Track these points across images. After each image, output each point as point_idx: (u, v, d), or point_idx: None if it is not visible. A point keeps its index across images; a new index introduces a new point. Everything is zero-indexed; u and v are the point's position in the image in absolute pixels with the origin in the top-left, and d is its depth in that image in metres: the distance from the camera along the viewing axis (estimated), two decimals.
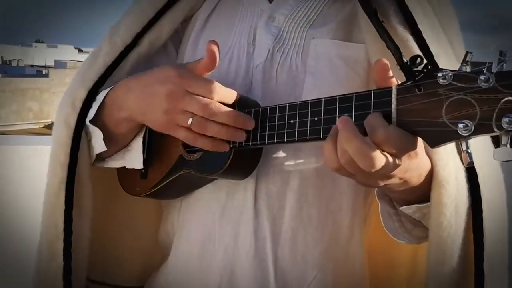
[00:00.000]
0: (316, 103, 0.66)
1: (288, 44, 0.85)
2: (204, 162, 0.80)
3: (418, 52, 0.70)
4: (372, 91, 0.61)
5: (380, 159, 0.57)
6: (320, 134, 0.65)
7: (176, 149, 0.85)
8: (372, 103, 0.60)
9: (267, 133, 0.72)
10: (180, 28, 0.94)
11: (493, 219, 0.70)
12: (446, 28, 0.81)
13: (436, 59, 0.70)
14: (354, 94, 0.62)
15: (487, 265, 0.68)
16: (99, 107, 0.84)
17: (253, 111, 0.74)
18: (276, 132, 0.71)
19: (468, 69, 0.54)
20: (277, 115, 0.71)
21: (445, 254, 0.68)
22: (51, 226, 0.84)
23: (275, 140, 0.71)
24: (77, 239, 0.84)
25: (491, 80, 0.51)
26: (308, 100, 0.67)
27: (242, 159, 0.78)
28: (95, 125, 0.84)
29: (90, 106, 0.85)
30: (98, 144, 0.85)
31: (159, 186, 0.87)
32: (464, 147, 0.54)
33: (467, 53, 0.55)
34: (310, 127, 0.66)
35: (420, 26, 0.74)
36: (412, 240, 0.78)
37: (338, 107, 0.64)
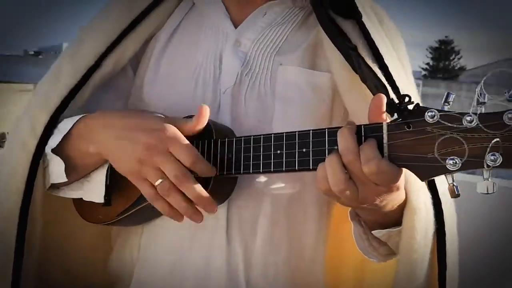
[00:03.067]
0: (304, 134, 0.69)
1: (256, 69, 0.86)
2: None
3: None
4: (363, 126, 0.65)
5: (350, 187, 0.63)
6: (310, 165, 0.68)
7: None
8: (363, 137, 0.64)
9: (251, 162, 0.73)
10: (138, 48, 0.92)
11: (451, 242, 0.77)
12: (397, 51, 0.88)
13: (402, 91, 0.76)
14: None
15: (449, 283, 0.75)
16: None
17: (242, 139, 0.75)
18: (262, 162, 0.72)
19: (448, 108, 0.61)
20: (262, 144, 0.73)
21: (415, 274, 0.74)
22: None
23: (261, 170, 0.73)
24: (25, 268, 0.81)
25: (475, 121, 0.58)
26: (295, 132, 0.70)
27: (220, 186, 0.78)
28: (56, 154, 0.80)
29: (51, 132, 0.81)
30: (57, 173, 0.81)
31: (128, 213, 0.84)
32: (450, 181, 0.60)
33: (448, 93, 0.61)
34: (298, 158, 0.69)
35: (386, 59, 0.79)
36: (380, 258, 0.83)
37: (328, 139, 0.67)
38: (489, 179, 0.57)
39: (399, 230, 0.76)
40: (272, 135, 0.72)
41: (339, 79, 0.83)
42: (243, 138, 0.75)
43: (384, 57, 0.80)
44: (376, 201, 0.66)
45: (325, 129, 0.68)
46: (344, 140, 0.64)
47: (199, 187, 0.73)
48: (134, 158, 0.74)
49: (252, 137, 0.74)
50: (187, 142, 0.74)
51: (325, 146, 0.67)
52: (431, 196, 0.75)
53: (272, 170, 0.71)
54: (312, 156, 0.68)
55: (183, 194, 0.74)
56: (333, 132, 0.67)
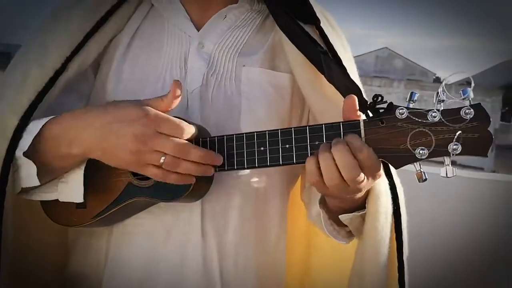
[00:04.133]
0: (286, 132, 0.76)
1: (220, 70, 0.91)
2: (161, 188, 0.82)
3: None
4: (341, 123, 0.73)
5: (362, 175, 0.70)
6: (293, 160, 0.75)
7: (122, 176, 0.85)
8: (342, 133, 0.73)
9: (235, 159, 0.78)
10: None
11: (404, 220, 0.87)
12: (347, 51, 0.97)
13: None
14: (323, 125, 0.74)
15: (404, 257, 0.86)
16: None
17: (225, 138, 0.79)
18: (245, 159, 0.78)
19: (413, 105, 0.71)
20: (244, 142, 0.78)
21: (380, 252, 0.84)
22: None
23: (245, 166, 0.78)
24: None
25: (438, 116, 0.68)
26: (277, 130, 0.76)
27: (200, 183, 0.82)
28: (27, 157, 0.79)
29: (20, 136, 0.79)
30: (28, 177, 0.79)
31: (104, 215, 0.85)
32: (418, 168, 0.70)
33: (412, 93, 0.71)
34: (282, 153, 0.76)
35: (344, 62, 0.88)
36: (344, 240, 0.92)
37: (309, 136, 0.75)
38: (449, 165, 0.68)
39: (361, 214, 0.85)
40: (255, 133, 0.78)
41: (301, 79, 0.90)
42: (225, 137, 0.79)
43: (342, 60, 0.89)
44: (362, 189, 0.74)
45: (306, 126, 0.75)
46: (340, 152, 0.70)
47: (199, 149, 0.77)
48: (127, 151, 0.75)
49: (234, 135, 0.79)
50: (170, 117, 0.76)
51: (307, 142, 0.75)
52: (388, 181, 0.85)
53: (256, 165, 0.77)
54: (295, 152, 0.75)
55: (189, 160, 0.76)
56: (314, 129, 0.74)
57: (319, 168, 0.71)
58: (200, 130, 0.82)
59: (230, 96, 0.90)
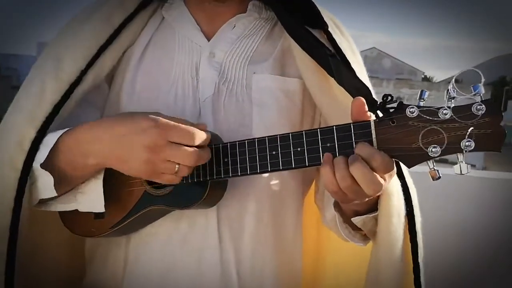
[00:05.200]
0: (297, 135, 0.76)
1: (231, 78, 0.92)
2: (177, 196, 0.83)
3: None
4: (352, 124, 0.73)
5: (381, 182, 0.70)
6: (306, 163, 0.75)
7: (137, 185, 0.86)
8: (353, 134, 0.73)
9: (248, 164, 0.79)
10: None
11: (418, 221, 0.87)
12: (356, 56, 0.98)
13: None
14: (334, 127, 0.74)
15: (420, 258, 0.85)
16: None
17: (237, 144, 0.80)
18: (258, 163, 0.78)
19: (423, 103, 0.71)
20: (256, 147, 0.79)
21: (393, 253, 0.83)
22: None
23: (258, 170, 0.78)
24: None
25: (449, 113, 0.68)
26: (288, 133, 0.77)
27: (215, 189, 0.83)
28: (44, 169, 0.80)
29: (37, 148, 0.81)
30: (46, 189, 0.81)
31: (122, 224, 0.86)
32: (431, 166, 0.70)
33: (422, 91, 0.72)
34: (294, 156, 0.76)
35: (353, 66, 0.88)
36: (360, 242, 0.92)
37: (320, 138, 0.75)
38: (463, 162, 0.68)
39: (373, 216, 0.85)
40: (266, 138, 0.78)
41: (311, 84, 0.91)
42: (237, 142, 0.80)
43: (351, 63, 0.89)
44: (380, 190, 0.73)
45: (317, 129, 0.75)
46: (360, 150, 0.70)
47: (207, 151, 0.78)
48: (141, 161, 0.76)
49: (246, 141, 0.79)
50: (181, 125, 0.76)
51: (319, 144, 0.74)
52: (400, 182, 0.85)
53: (269, 169, 0.77)
54: (307, 154, 0.75)
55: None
56: (325, 131, 0.74)
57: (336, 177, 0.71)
58: (213, 136, 0.82)
59: (241, 104, 0.91)
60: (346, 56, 0.90)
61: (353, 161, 0.70)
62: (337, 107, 0.88)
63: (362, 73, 0.94)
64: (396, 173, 0.84)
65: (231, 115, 0.90)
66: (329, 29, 0.93)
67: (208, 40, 0.94)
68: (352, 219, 0.87)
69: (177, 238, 0.89)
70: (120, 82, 0.94)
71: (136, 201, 0.85)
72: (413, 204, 0.86)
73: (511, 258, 2.07)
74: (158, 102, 0.91)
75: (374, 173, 0.70)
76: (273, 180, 0.92)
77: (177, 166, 0.76)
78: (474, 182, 2.16)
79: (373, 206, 0.84)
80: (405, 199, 0.85)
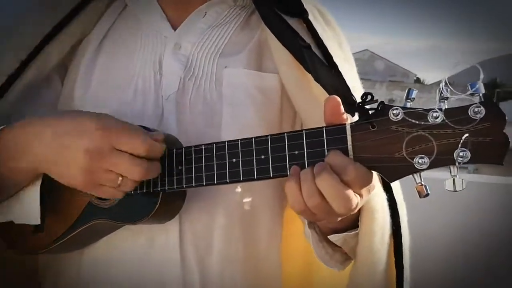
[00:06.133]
0: (261, 140, 0.64)
1: (199, 73, 0.81)
2: (124, 208, 0.72)
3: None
4: (324, 128, 0.61)
5: (355, 199, 0.58)
6: (270, 173, 0.63)
7: (82, 194, 0.75)
8: (325, 140, 0.61)
9: (204, 174, 0.67)
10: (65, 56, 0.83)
11: (405, 243, 0.75)
12: (345, 53, 0.86)
13: (352, 91, 0.73)
14: (304, 131, 0.62)
15: (405, 284, 0.74)
16: None
17: (193, 149, 0.68)
18: (216, 172, 0.66)
19: (410, 104, 0.59)
20: (214, 154, 0.67)
21: (375, 276, 0.72)
22: None
23: (216, 181, 0.66)
24: None
25: (440, 117, 0.56)
26: (251, 138, 0.65)
27: (169, 202, 0.72)
28: None
29: None
30: None
31: (64, 239, 0.75)
32: (418, 180, 0.57)
33: (409, 90, 0.59)
34: (257, 165, 0.64)
35: (334, 59, 0.76)
36: (339, 266, 0.80)
37: (288, 144, 0.63)
38: (457, 176, 0.56)
39: (355, 233, 0.73)
40: (226, 142, 0.66)
41: (287, 79, 0.80)
42: (193, 147, 0.68)
43: (333, 57, 0.77)
44: (355, 210, 0.61)
45: (284, 133, 0.63)
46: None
47: (157, 166, 0.67)
48: (79, 169, 0.65)
49: (203, 146, 0.68)
50: (132, 132, 0.66)
51: (285, 152, 0.62)
52: (387, 197, 0.74)
53: (228, 181, 0.65)
54: (272, 163, 0.63)
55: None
56: (293, 136, 0.62)
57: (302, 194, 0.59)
58: (171, 140, 0.71)
59: (210, 102, 0.80)
60: (329, 48, 0.78)
61: (320, 171, 0.57)
62: (317, 107, 0.75)
63: (350, 71, 0.82)
64: (382, 185, 0.73)
65: (198, 115, 0.79)
66: (310, 17, 0.80)
67: (175, 30, 0.83)
68: (329, 237, 0.75)
69: (135, 257, 0.78)
70: (74, 77, 0.83)
71: (79, 213, 0.75)
72: (400, 222, 0.74)
73: (502, 265, 1.96)
74: (115, 100, 0.80)
75: (347, 187, 0.57)
76: (245, 190, 0.81)
77: (120, 178, 0.65)
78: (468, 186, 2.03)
79: (354, 222, 0.72)
80: (391, 216, 0.74)
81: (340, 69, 0.76)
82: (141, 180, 0.67)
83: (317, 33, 0.78)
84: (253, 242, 0.83)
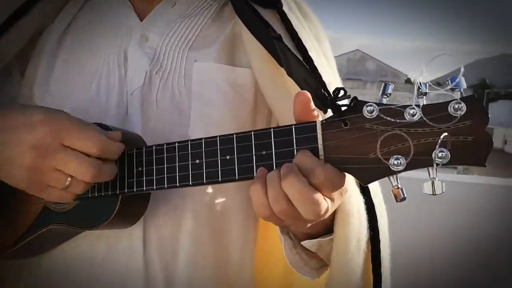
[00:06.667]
0: (226, 139, 0.59)
1: (167, 67, 0.76)
2: (81, 213, 0.67)
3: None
4: (293, 126, 0.56)
5: (324, 204, 0.53)
6: (236, 175, 0.58)
7: (36, 197, 0.69)
8: (294, 139, 0.56)
9: (166, 175, 0.62)
10: (25, 47, 0.78)
11: (385, 249, 0.71)
12: (322, 47, 0.81)
13: (328, 87, 0.69)
14: (272, 129, 0.57)
15: None
16: None
17: (154, 149, 0.63)
18: (178, 174, 0.61)
19: (387, 101, 0.54)
20: (177, 154, 0.62)
21: (350, 285, 0.67)
22: None
23: (178, 184, 0.61)
24: None
25: (418, 114, 0.51)
26: (216, 137, 0.60)
27: (130, 205, 0.67)
28: None
29: None
30: None
31: (19, 246, 0.70)
32: (395, 183, 0.53)
33: (386, 84, 0.55)
34: (221, 167, 0.59)
35: (310, 52, 0.72)
36: (314, 274, 0.75)
37: (254, 143, 0.58)
38: (436, 178, 0.51)
39: (330, 238, 0.68)
40: (189, 142, 0.61)
41: (260, 75, 0.75)
42: (154, 147, 0.63)
43: (308, 50, 0.72)
44: (326, 215, 0.56)
45: (250, 132, 0.58)
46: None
47: (113, 170, 0.62)
48: (23, 167, 0.59)
49: (165, 145, 0.63)
50: (85, 129, 0.61)
51: (252, 152, 0.57)
52: (364, 199, 0.69)
53: (191, 183, 0.60)
54: (237, 164, 0.58)
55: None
56: (260, 135, 0.57)
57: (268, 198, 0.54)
58: (134, 139, 0.66)
59: (178, 98, 0.74)
60: (303, 41, 0.73)
61: (286, 174, 0.52)
62: (290, 104, 0.71)
63: (327, 65, 0.77)
64: (360, 188, 0.68)
65: (165, 112, 0.74)
66: (285, 9, 0.75)
67: (142, 20, 0.78)
68: (302, 243, 0.70)
69: (95, 263, 0.73)
70: (34, 70, 0.78)
71: (34, 218, 0.70)
72: (378, 226, 0.69)
73: (491, 268, 1.93)
74: (77, 96, 0.75)
75: (315, 191, 0.52)
76: (215, 192, 0.76)
77: (69, 179, 0.60)
78: (453, 187, 2.00)
79: (330, 226, 0.68)
80: (368, 220, 0.69)
81: (315, 63, 0.71)
82: (94, 182, 0.62)
83: (291, 24, 0.73)
84: (224, 248, 0.78)
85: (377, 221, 0.69)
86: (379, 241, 0.69)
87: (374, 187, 0.72)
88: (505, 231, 1.89)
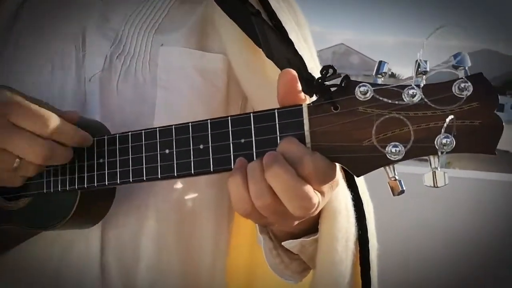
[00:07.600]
0: (199, 125, 0.52)
1: (130, 51, 0.68)
2: (35, 211, 0.59)
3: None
4: (276, 110, 0.49)
5: (315, 198, 0.46)
6: (210, 167, 0.51)
7: None
8: (277, 125, 0.49)
9: (130, 168, 0.55)
10: None
11: (373, 250, 0.65)
12: (302, 30, 0.75)
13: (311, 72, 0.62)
14: (251, 114, 0.50)
15: None
16: None
17: (117, 138, 0.56)
18: (145, 166, 0.54)
19: (382, 81, 0.48)
20: (143, 143, 0.54)
21: None
22: None
23: (145, 177, 0.54)
24: None
25: (418, 95, 0.45)
26: (187, 123, 0.53)
27: (90, 202, 0.59)
28: None
29: None
30: None
31: None
32: (391, 174, 0.46)
33: (381, 62, 0.48)
34: (194, 157, 0.52)
35: (290, 34, 0.65)
36: (296, 278, 0.68)
37: (232, 130, 0.51)
38: (439, 168, 0.45)
39: (313, 239, 0.62)
40: (157, 129, 0.54)
41: (236, 61, 0.68)
42: (117, 135, 0.56)
43: (288, 32, 0.66)
44: (315, 212, 0.49)
45: (227, 117, 0.51)
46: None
47: (68, 152, 0.55)
48: None
49: (130, 133, 0.55)
50: (30, 104, 0.54)
51: (229, 140, 0.50)
52: (351, 195, 0.62)
53: (160, 176, 0.53)
54: (212, 154, 0.51)
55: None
56: (238, 120, 0.50)
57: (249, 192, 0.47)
58: (96, 127, 0.59)
59: (142, 85, 0.67)
60: (283, 23, 0.67)
61: (270, 164, 0.45)
62: (271, 93, 0.63)
63: (308, 49, 0.71)
64: (346, 182, 0.61)
65: (127, 99, 0.67)
66: None
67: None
68: (283, 243, 0.63)
69: (50, 268, 0.65)
70: None
71: None
72: (367, 225, 0.63)
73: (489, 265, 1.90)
74: (30, 80, 0.68)
75: (304, 183, 0.46)
76: (183, 189, 0.69)
77: (17, 160, 0.53)
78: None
79: (312, 225, 0.61)
80: (357, 219, 0.63)
81: (296, 47, 0.64)
82: (45, 165, 0.55)
83: (269, 5, 0.67)
84: (191, 252, 0.71)
85: (365, 219, 0.63)
86: (367, 241, 0.62)
87: (360, 182, 0.66)
88: (495, 229, 1.86)
